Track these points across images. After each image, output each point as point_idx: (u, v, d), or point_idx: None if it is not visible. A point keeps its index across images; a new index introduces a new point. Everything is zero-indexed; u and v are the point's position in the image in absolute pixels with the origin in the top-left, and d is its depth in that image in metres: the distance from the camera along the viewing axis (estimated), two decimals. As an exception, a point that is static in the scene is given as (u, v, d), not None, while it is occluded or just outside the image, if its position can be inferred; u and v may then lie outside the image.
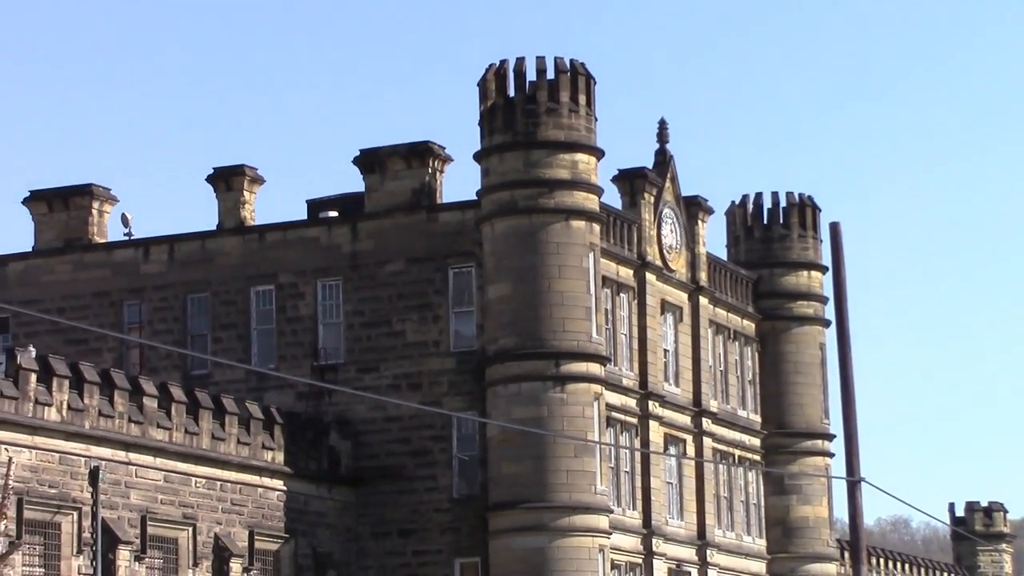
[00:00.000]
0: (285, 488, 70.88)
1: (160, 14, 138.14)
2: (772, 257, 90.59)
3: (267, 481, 70.05)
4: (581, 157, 72.40)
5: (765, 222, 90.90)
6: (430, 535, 73.12)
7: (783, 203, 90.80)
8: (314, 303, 75.12)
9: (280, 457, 70.71)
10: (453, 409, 71.60)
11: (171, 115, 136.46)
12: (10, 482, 47.86)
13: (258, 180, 78.86)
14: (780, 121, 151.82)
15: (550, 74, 71.98)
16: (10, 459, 50.05)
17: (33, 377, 60.32)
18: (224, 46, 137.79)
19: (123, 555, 62.25)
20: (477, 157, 73.05)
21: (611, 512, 73.15)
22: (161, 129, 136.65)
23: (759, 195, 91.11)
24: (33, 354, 61.53)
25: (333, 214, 76.84)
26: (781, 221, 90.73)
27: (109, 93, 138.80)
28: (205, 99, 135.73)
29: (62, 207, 79.88)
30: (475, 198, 73.34)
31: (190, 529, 65.95)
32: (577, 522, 70.51)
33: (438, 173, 75.19)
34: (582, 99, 72.51)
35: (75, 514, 61.26)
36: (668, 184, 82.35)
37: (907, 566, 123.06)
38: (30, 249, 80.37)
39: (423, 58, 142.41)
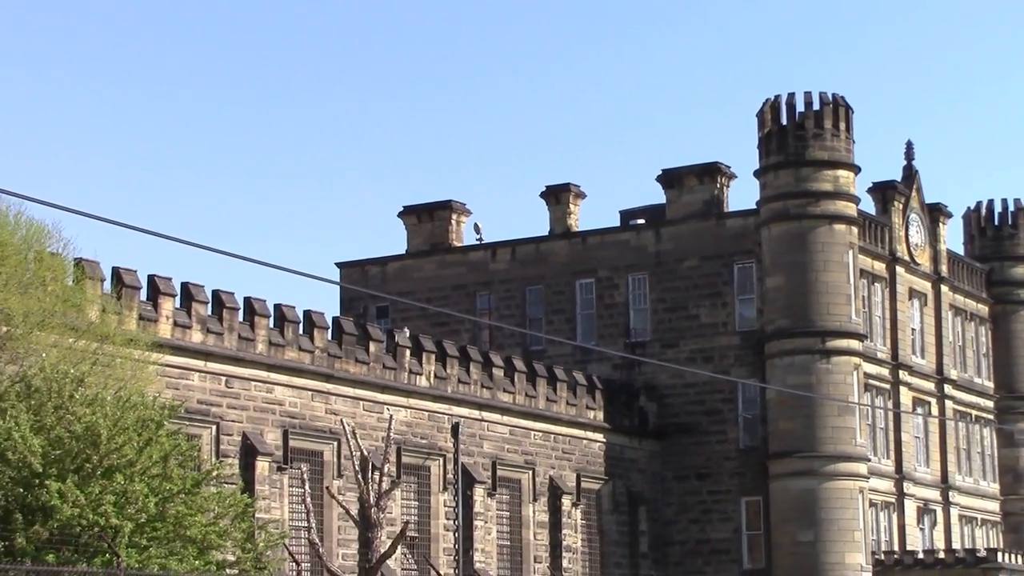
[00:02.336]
0: (604, 440, 71.61)
1: (491, 50, 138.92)
2: (1002, 252, 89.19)
3: (590, 435, 70.81)
4: (842, 173, 72.29)
5: (996, 223, 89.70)
6: (721, 478, 73.43)
7: (1011, 208, 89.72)
8: (626, 292, 75.83)
9: (600, 415, 71.42)
10: (739, 377, 71.89)
11: (510, 140, 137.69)
12: (392, 434, 49.09)
13: (580, 195, 79.77)
14: (1008, 134, 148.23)
15: (816, 106, 71.92)
16: (391, 417, 51.42)
17: (408, 352, 61.97)
18: (554, 84, 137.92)
19: (478, 492, 63.56)
20: (756, 174, 73.12)
21: (868, 461, 72.63)
22: (504, 152, 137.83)
23: (991, 201, 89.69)
24: (407, 334, 63.18)
25: (641, 221, 77.55)
26: (1010, 223, 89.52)
27: (454, 121, 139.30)
28: (537, 127, 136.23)
29: (428, 219, 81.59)
30: (755, 207, 73.48)
31: (530, 472, 66.97)
32: (841, 468, 70.30)
33: (725, 187, 75.69)
34: (842, 125, 72.38)
35: (440, 460, 62.73)
36: (914, 194, 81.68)
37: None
38: (403, 252, 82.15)
39: (710, 91, 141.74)
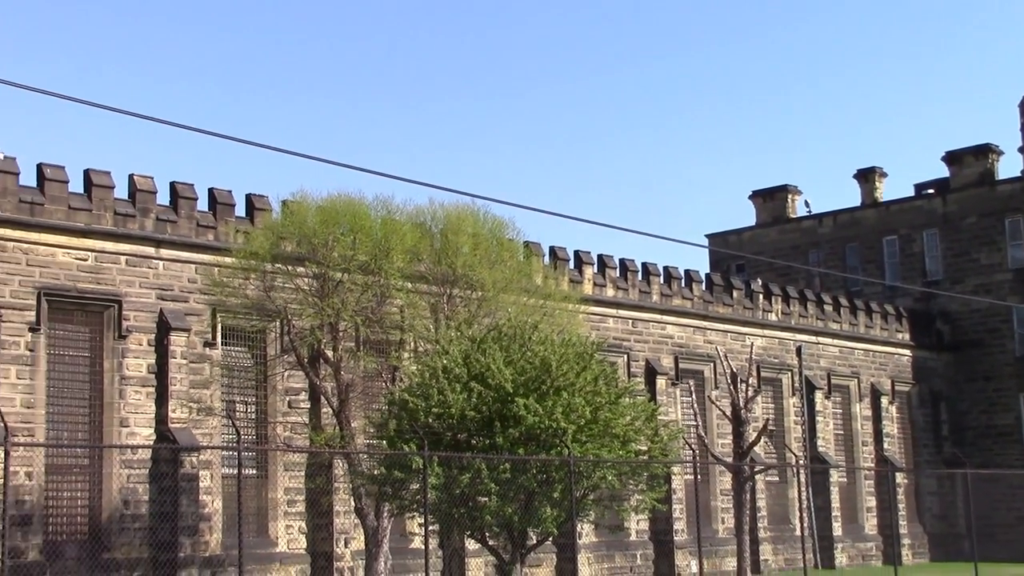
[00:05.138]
0: (911, 354, 69.89)
1: (804, 54, 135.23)
2: None
3: (900, 350, 69.24)
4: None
5: None
6: (1002, 379, 70.68)
7: None
8: (922, 245, 73.61)
9: (907, 336, 69.71)
10: (1013, 302, 69.27)
11: (829, 132, 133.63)
12: (753, 356, 49.15)
13: (883, 174, 76.90)
14: None
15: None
16: (752, 343, 51.48)
17: (761, 296, 61.94)
18: (860, 84, 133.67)
19: (818, 396, 62.94)
20: (1020, 150, 70.48)
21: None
22: (824, 141, 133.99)
23: None
24: (760, 283, 63.07)
25: (931, 191, 75.18)
26: None
27: (785, 119, 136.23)
28: (849, 121, 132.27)
29: (770, 198, 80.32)
30: (1020, 175, 70.79)
31: (856, 380, 65.98)
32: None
33: (995, 162, 72.52)
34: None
35: (789, 373, 62.30)
36: None
37: None
38: (753, 224, 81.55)
39: (981, 82, 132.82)
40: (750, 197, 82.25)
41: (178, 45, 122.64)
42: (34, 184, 38.53)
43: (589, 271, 54.09)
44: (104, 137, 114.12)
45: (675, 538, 53.83)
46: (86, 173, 39.63)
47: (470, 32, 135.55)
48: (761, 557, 57.12)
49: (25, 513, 36.23)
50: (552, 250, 52.28)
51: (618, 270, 55.57)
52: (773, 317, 62.25)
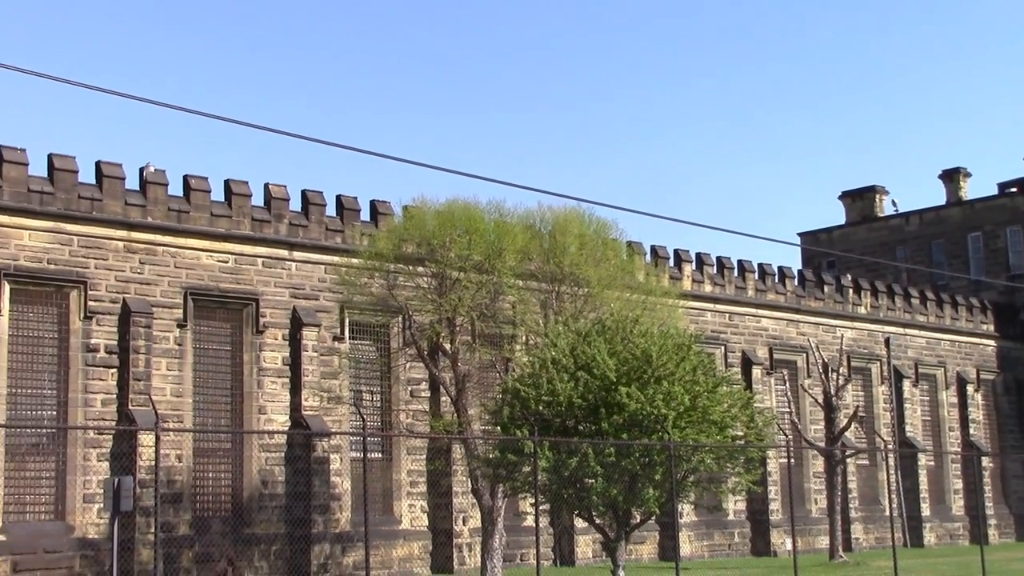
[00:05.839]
0: (995, 344, 68.28)
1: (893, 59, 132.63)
2: None
3: (984, 341, 67.67)
4: None
5: None
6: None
7: None
8: (1005, 240, 71.82)
9: (991, 328, 68.15)
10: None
11: (915, 136, 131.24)
12: (843, 347, 48.61)
13: (967, 174, 75.70)
14: None
15: None
16: (842, 335, 51.01)
17: (851, 290, 61.07)
18: (948, 90, 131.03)
19: (906, 384, 61.97)
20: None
21: None
22: (910, 145, 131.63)
23: None
24: (848, 278, 62.13)
25: (1013, 189, 73.53)
26: None
27: (872, 122, 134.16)
28: (935, 126, 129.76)
29: (859, 198, 79.31)
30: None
31: (942, 369, 64.63)
32: None
33: (1076, 161, 71.06)
34: None
35: (878, 363, 61.26)
36: None
37: None
38: (843, 223, 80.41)
39: None
40: (840, 197, 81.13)
41: (311, 62, 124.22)
42: (181, 194, 39.33)
43: (688, 268, 53.72)
44: (242, 148, 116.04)
45: (770, 517, 53.30)
46: (226, 183, 40.33)
47: (575, 47, 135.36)
48: (852, 536, 56.30)
49: (176, 492, 37.01)
50: (653, 249, 52.03)
51: (715, 267, 55.14)
52: (862, 310, 61.27)
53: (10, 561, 33.83)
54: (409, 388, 43.19)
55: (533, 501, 27.02)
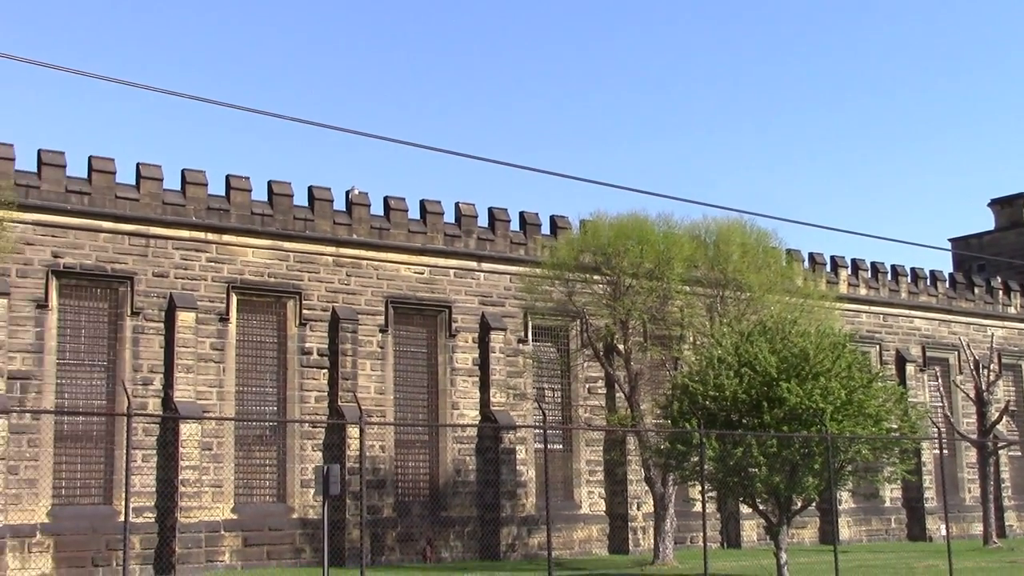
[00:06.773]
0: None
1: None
2: None
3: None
4: None
5: None
6: None
7: None
8: None
9: None
10: None
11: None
12: (993, 345, 46.68)
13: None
14: None
15: None
16: (992, 334, 48.99)
17: (1000, 292, 58.62)
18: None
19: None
20: None
21: None
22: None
23: None
24: (999, 280, 59.54)
25: None
26: None
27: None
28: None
29: (1008, 205, 75.08)
30: None
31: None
32: None
33: None
34: None
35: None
36: None
37: None
38: (992, 228, 77.15)
39: None
40: (989, 204, 77.75)
41: (502, 86, 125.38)
42: (381, 213, 40.18)
43: (844, 273, 52.34)
44: (434, 170, 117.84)
45: (925, 505, 51.45)
46: (421, 203, 41.03)
47: (728, 68, 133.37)
48: (1006, 523, 53.95)
49: (380, 478, 37.80)
50: (811, 255, 50.85)
51: (870, 271, 53.61)
52: (1012, 310, 58.73)
53: (241, 537, 35.06)
54: (587, 385, 43.20)
55: (701, 488, 26.66)
